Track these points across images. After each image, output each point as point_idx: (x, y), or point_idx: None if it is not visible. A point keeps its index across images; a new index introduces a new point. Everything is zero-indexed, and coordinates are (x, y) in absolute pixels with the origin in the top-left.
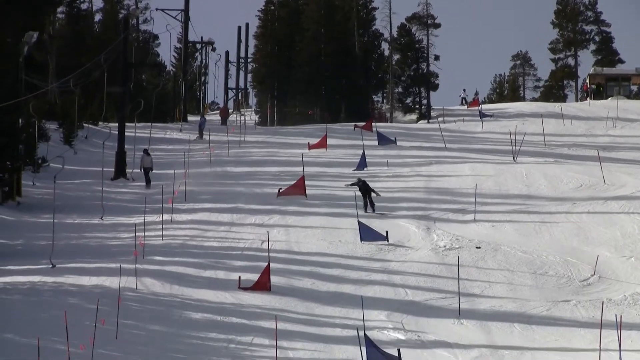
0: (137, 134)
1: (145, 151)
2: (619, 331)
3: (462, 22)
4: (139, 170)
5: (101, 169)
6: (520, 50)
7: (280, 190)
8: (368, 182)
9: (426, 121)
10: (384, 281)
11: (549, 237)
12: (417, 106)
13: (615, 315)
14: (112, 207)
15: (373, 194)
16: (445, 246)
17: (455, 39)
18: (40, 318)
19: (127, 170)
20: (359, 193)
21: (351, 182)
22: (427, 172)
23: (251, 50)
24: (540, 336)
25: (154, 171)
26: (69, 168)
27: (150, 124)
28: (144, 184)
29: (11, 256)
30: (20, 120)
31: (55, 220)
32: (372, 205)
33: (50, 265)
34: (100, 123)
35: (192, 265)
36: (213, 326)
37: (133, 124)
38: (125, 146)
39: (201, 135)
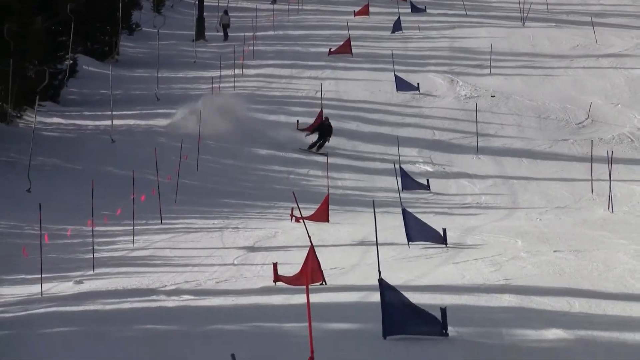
0: (212, 3)
1: (225, 11)
2: (609, 165)
3: None
4: (221, 33)
5: (184, 32)
6: None
7: (331, 50)
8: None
9: None
10: (416, 124)
11: (551, 88)
12: None
13: (607, 151)
14: (193, 63)
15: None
16: (466, 95)
17: None
18: (135, 154)
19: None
20: (396, 52)
21: (313, 129)
22: (451, 35)
23: None
24: (543, 168)
25: (230, 28)
26: (157, 31)
27: None
28: (221, 43)
29: (112, 106)
30: None
31: (146, 75)
32: (321, 146)
33: (156, 99)
34: None
35: (259, 110)
36: (275, 160)
37: None
38: (205, 13)
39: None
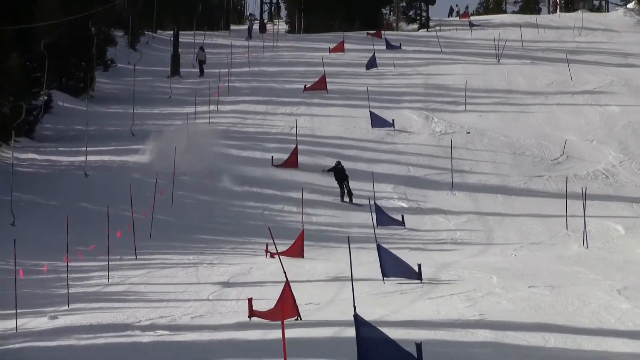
0: (188, 40)
1: (201, 47)
2: (584, 201)
3: None
4: (197, 69)
5: (159, 68)
6: None
7: (306, 86)
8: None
9: (425, 30)
10: (391, 160)
11: (526, 124)
12: (418, 17)
13: (582, 187)
14: (168, 99)
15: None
16: (440, 131)
17: None
18: (110, 190)
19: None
20: (371, 88)
21: (328, 168)
22: (426, 72)
23: None
24: (518, 205)
25: (206, 64)
26: (132, 67)
27: (203, 32)
28: (196, 79)
29: (87, 141)
30: (92, 29)
31: (121, 111)
32: (350, 194)
33: (132, 134)
34: (158, 30)
35: (234, 147)
36: (251, 196)
37: (190, 32)
38: (180, 49)
39: (250, 36)
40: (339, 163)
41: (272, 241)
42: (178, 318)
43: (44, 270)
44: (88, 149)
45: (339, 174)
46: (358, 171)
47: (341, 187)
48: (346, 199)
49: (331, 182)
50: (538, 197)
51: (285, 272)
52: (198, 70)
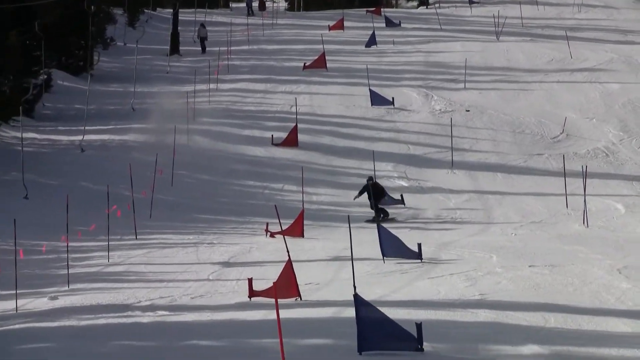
0: (188, 17)
1: (202, 24)
2: (584, 179)
3: None
4: (198, 46)
5: (158, 46)
6: None
7: (306, 64)
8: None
9: (425, 7)
10: (391, 138)
11: (525, 102)
12: None
13: (582, 166)
14: (168, 77)
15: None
16: (440, 109)
17: None
18: (110, 169)
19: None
20: (371, 66)
21: (359, 191)
22: (425, 49)
23: None
24: (518, 183)
25: (208, 41)
26: (131, 46)
27: (204, 10)
28: (195, 57)
29: (85, 119)
30: (92, 7)
31: (120, 89)
32: (382, 212)
33: (132, 109)
34: (157, 9)
35: (234, 125)
36: (251, 175)
37: (190, 9)
38: (180, 27)
39: (251, 12)
40: (370, 179)
41: (272, 220)
42: (178, 298)
43: (43, 251)
44: (88, 127)
45: (374, 191)
46: (358, 150)
47: (375, 207)
48: (381, 218)
49: (332, 160)
50: (538, 175)
51: (288, 251)
52: (200, 47)
